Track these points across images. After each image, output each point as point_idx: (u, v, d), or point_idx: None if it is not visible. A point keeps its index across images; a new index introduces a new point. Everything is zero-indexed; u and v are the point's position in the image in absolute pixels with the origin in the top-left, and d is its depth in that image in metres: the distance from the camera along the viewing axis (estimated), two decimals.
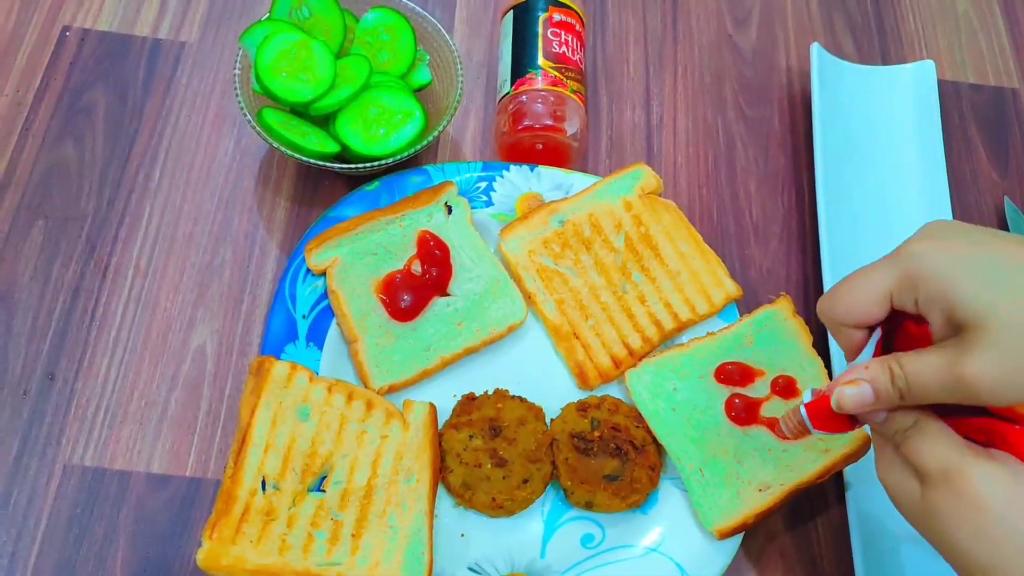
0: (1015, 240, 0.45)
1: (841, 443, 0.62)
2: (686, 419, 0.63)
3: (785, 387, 0.65)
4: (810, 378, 0.65)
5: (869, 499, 0.64)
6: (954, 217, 0.79)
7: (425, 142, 0.69)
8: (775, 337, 0.66)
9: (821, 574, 0.64)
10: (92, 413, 0.64)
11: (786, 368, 0.65)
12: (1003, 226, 0.80)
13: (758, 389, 0.65)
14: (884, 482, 0.48)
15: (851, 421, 0.49)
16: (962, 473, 0.43)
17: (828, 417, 0.49)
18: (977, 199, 0.82)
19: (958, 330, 0.43)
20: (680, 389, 0.64)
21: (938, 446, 0.44)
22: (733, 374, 0.65)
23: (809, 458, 0.62)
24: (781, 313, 0.67)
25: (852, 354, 0.49)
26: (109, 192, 0.72)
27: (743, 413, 0.63)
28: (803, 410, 0.50)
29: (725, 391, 0.64)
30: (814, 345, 0.67)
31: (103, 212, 0.72)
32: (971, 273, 0.43)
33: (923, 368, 0.44)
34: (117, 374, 0.66)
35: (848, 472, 0.64)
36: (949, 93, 0.87)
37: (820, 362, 0.66)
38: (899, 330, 0.48)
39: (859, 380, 0.46)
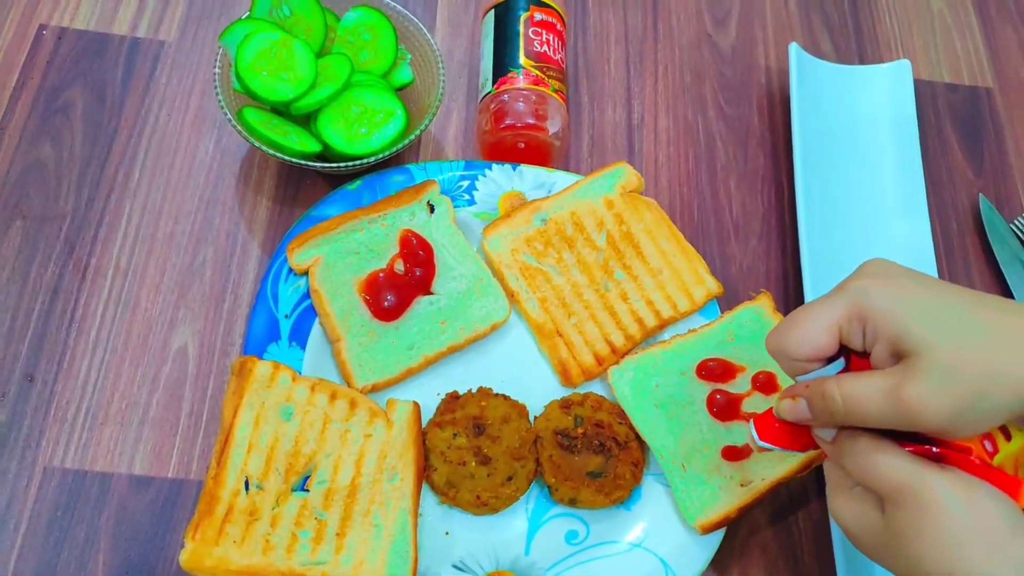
0: (954, 287, 0.47)
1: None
2: (668, 415, 0.64)
3: (766, 383, 0.65)
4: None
5: None
6: (931, 215, 0.80)
7: (407, 141, 0.69)
8: (756, 333, 0.67)
9: (802, 568, 0.65)
10: (72, 415, 0.64)
11: (767, 364, 0.66)
12: (978, 223, 0.82)
13: (739, 385, 0.65)
14: (841, 516, 0.48)
15: (801, 440, 0.50)
16: (926, 486, 0.43)
17: (776, 432, 0.51)
18: (953, 197, 0.83)
19: (900, 360, 0.44)
20: (662, 386, 0.65)
21: (897, 460, 0.44)
22: (715, 370, 0.66)
23: (789, 452, 0.62)
24: (762, 310, 0.68)
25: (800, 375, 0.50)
26: (88, 192, 0.72)
27: (724, 409, 0.64)
28: (751, 424, 0.51)
29: (707, 387, 0.65)
30: None
31: (82, 212, 0.71)
32: (917, 308, 0.45)
33: (863, 389, 0.45)
34: (97, 375, 0.65)
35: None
36: (925, 92, 0.88)
37: None
38: (842, 371, 0.49)
39: (797, 395, 0.48)
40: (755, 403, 0.64)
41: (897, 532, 0.44)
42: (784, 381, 0.65)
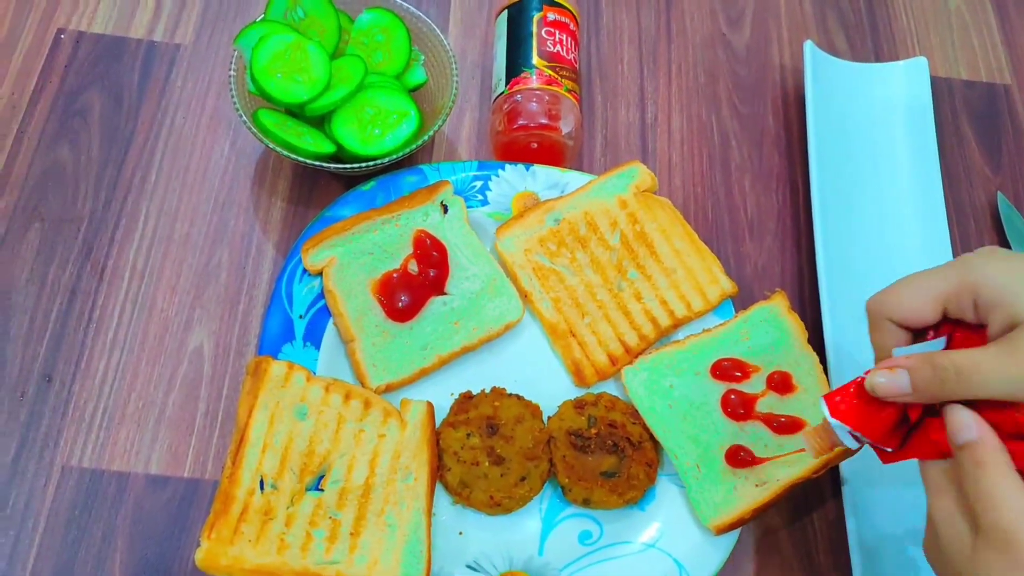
0: None
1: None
2: (683, 416, 0.64)
3: (781, 382, 0.65)
4: (805, 373, 0.65)
5: (865, 494, 0.64)
6: (948, 213, 0.79)
7: (420, 142, 0.69)
8: (770, 333, 0.67)
9: (817, 568, 0.65)
10: (90, 415, 0.64)
11: (781, 364, 0.65)
12: (996, 221, 0.81)
13: (754, 385, 0.65)
14: (939, 519, 0.46)
15: (874, 424, 0.47)
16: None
17: (852, 410, 0.48)
18: (970, 194, 0.82)
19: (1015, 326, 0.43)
20: (676, 386, 0.65)
21: (1011, 502, 0.42)
22: (729, 370, 0.65)
23: (806, 453, 0.62)
24: (776, 309, 0.68)
25: (882, 356, 0.49)
26: (105, 194, 0.73)
27: (739, 409, 0.64)
28: (822, 401, 0.49)
29: (721, 387, 0.65)
30: (809, 341, 0.67)
31: (99, 214, 0.72)
32: None
33: (980, 357, 0.44)
34: (114, 376, 0.66)
35: (844, 467, 0.65)
36: (942, 89, 0.87)
37: (815, 358, 0.66)
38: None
39: (896, 368, 0.46)
40: (769, 403, 0.64)
41: (981, 565, 0.43)
42: (800, 381, 0.65)
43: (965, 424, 0.44)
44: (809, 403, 0.64)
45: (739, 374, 0.65)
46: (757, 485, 0.61)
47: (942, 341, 0.47)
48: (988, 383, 0.43)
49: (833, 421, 0.48)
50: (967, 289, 0.45)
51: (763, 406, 0.64)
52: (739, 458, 0.62)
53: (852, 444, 0.50)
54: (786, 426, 0.63)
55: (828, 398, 0.49)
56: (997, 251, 0.48)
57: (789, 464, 0.62)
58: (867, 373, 0.48)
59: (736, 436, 0.63)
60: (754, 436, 0.63)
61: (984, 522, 0.43)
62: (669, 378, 0.65)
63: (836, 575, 0.64)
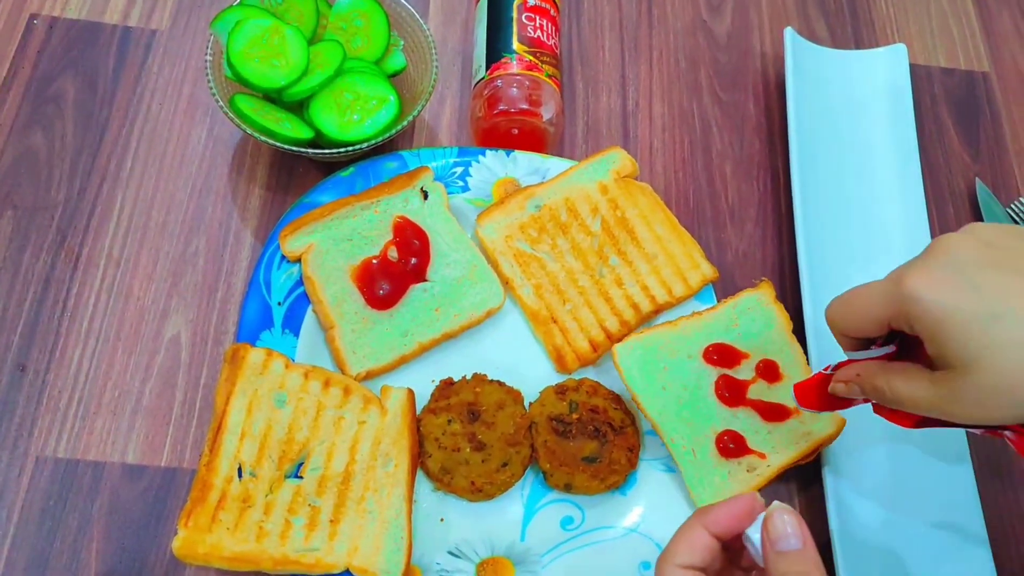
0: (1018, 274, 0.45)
1: (822, 425, 0.63)
2: (676, 398, 0.63)
3: (768, 370, 0.65)
4: (791, 363, 0.66)
5: (845, 476, 0.65)
6: (927, 199, 0.80)
7: (400, 127, 0.69)
8: (758, 321, 0.67)
9: None
10: (64, 404, 0.63)
11: (768, 352, 0.66)
12: (975, 207, 0.81)
13: (744, 371, 0.65)
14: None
15: (839, 404, 0.55)
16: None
17: (817, 400, 0.56)
18: (950, 180, 0.83)
19: (947, 366, 0.46)
20: (671, 368, 0.64)
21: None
22: (721, 355, 0.65)
23: (793, 439, 0.63)
24: (764, 298, 0.68)
25: (846, 351, 0.54)
26: (80, 181, 0.71)
27: (731, 394, 0.64)
28: (792, 390, 0.57)
29: (714, 372, 0.65)
30: (793, 331, 0.67)
31: (74, 201, 0.71)
32: (961, 325, 0.45)
33: (910, 391, 0.49)
34: (90, 365, 0.65)
35: (824, 452, 0.65)
36: (921, 77, 0.88)
37: (799, 348, 0.67)
38: (892, 353, 0.53)
39: (850, 382, 0.53)
40: (759, 390, 0.64)
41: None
42: (786, 370, 0.65)
43: (789, 533, 0.44)
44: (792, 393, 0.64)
45: (730, 360, 0.65)
46: (748, 471, 0.62)
47: (890, 348, 0.52)
48: (916, 410, 0.49)
49: (804, 409, 0.57)
50: (903, 316, 0.47)
51: (753, 392, 0.64)
52: (728, 448, 0.62)
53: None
54: (774, 413, 0.64)
55: (798, 389, 0.57)
56: (935, 262, 0.47)
57: (777, 450, 0.63)
58: (827, 369, 0.55)
59: (729, 421, 0.63)
60: (746, 422, 0.63)
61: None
62: (663, 359, 0.64)
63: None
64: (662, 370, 0.64)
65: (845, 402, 0.55)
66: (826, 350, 0.68)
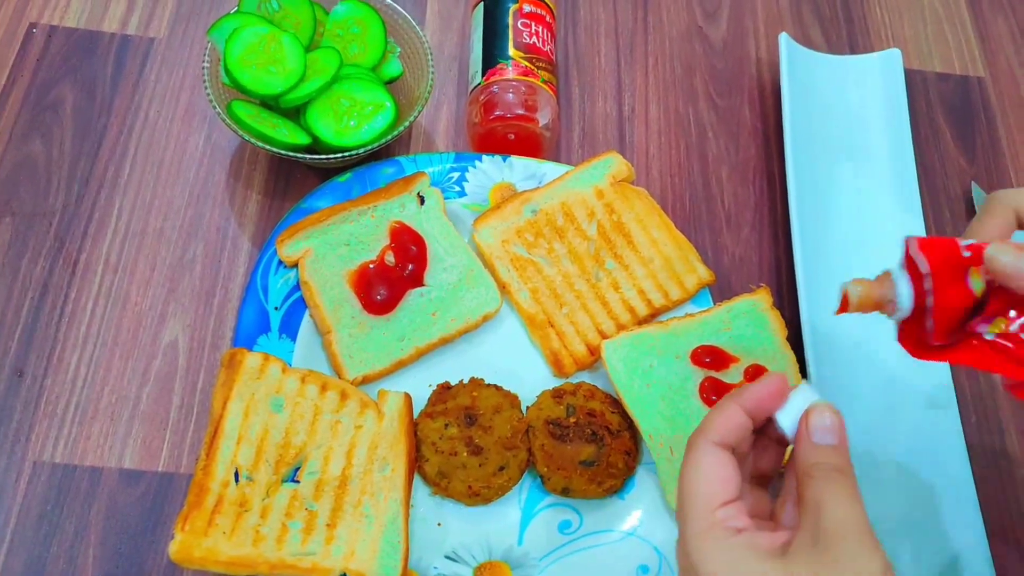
0: None
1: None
2: (660, 397, 0.64)
3: (756, 376, 0.65)
4: (781, 370, 0.65)
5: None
6: (923, 203, 0.80)
7: (396, 133, 0.69)
8: (752, 326, 0.67)
9: None
10: (62, 409, 0.63)
11: (759, 358, 0.66)
12: (971, 211, 0.81)
13: (732, 375, 0.65)
14: (708, 564, 0.43)
15: (958, 302, 0.44)
16: (854, 549, 0.41)
17: (941, 263, 0.44)
18: (945, 184, 0.83)
19: None
20: (656, 367, 0.64)
21: (844, 509, 0.43)
22: (710, 357, 0.65)
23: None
24: (760, 304, 0.68)
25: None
26: (78, 188, 0.72)
27: (716, 396, 0.64)
28: (911, 240, 0.45)
29: (700, 373, 0.65)
30: (788, 339, 0.67)
31: (72, 208, 0.71)
32: None
33: None
34: (87, 370, 0.65)
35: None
36: (916, 82, 0.88)
37: (792, 356, 0.66)
38: None
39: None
40: None
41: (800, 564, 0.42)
42: None
43: (828, 427, 0.45)
44: None
45: (719, 362, 0.65)
46: None
47: None
48: None
49: (918, 257, 0.44)
50: None
51: None
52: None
53: (902, 307, 0.46)
54: None
55: (916, 239, 0.45)
56: None
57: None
58: (962, 241, 0.44)
59: None
60: None
61: (821, 521, 0.42)
62: (650, 358, 0.65)
63: None
64: (648, 367, 0.64)
65: (965, 292, 0.43)
66: (824, 355, 0.69)
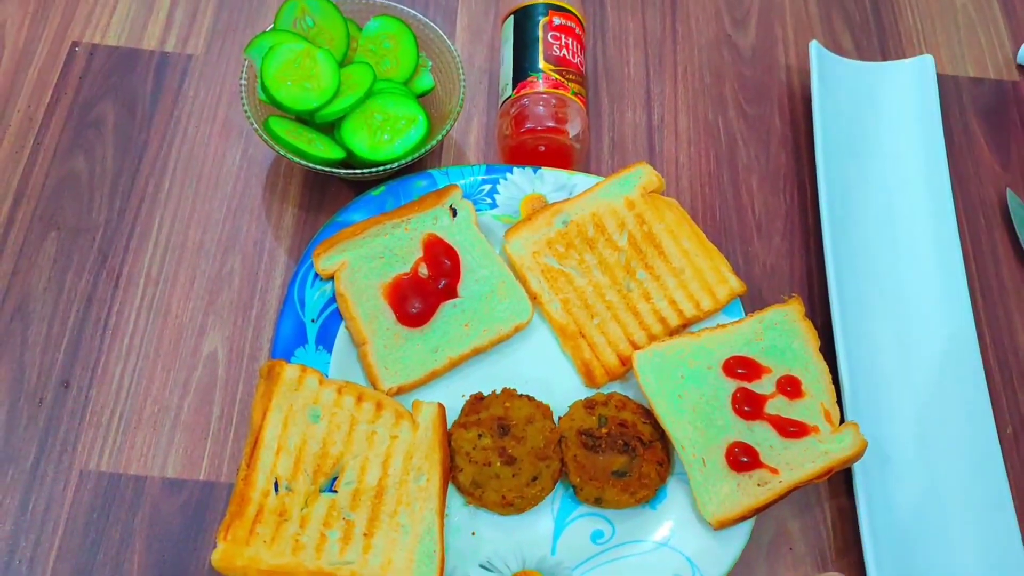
0: None
1: (842, 446, 0.62)
2: (692, 407, 0.64)
3: (790, 386, 0.65)
4: (814, 380, 0.65)
5: (878, 488, 0.64)
6: (957, 210, 0.79)
7: (429, 147, 0.70)
8: (784, 337, 0.67)
9: (830, 565, 0.65)
10: (107, 419, 0.65)
11: (792, 368, 0.66)
12: (1006, 217, 0.81)
13: (764, 386, 0.65)
14: None
15: None
16: None
17: None
18: (980, 191, 0.82)
19: None
20: (688, 377, 0.65)
21: None
22: (742, 368, 0.65)
23: (809, 457, 0.62)
24: (792, 314, 0.68)
25: None
26: (119, 203, 0.74)
27: (749, 407, 0.64)
28: None
29: (732, 384, 0.65)
30: (820, 350, 0.67)
31: (114, 222, 0.73)
32: None
33: None
34: (130, 381, 0.67)
35: (856, 464, 0.65)
36: (949, 87, 0.87)
37: (824, 366, 0.66)
38: None
39: None
40: (778, 405, 0.64)
41: None
42: (809, 388, 0.65)
43: None
44: (816, 410, 0.64)
45: (751, 373, 0.65)
46: (759, 484, 0.61)
47: None
48: None
49: None
50: None
51: (772, 408, 0.64)
52: (740, 462, 0.62)
53: None
54: (792, 429, 0.63)
55: None
56: None
57: (791, 467, 0.62)
58: None
59: (744, 434, 0.63)
60: (761, 436, 0.63)
61: None
62: (681, 368, 0.65)
63: (849, 572, 0.64)
64: (679, 378, 0.64)
65: None
66: (856, 365, 0.68)
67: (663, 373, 0.64)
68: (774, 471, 0.62)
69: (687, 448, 0.62)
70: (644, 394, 0.64)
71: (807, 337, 0.67)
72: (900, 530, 0.64)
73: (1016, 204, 0.80)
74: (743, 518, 0.61)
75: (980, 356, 0.72)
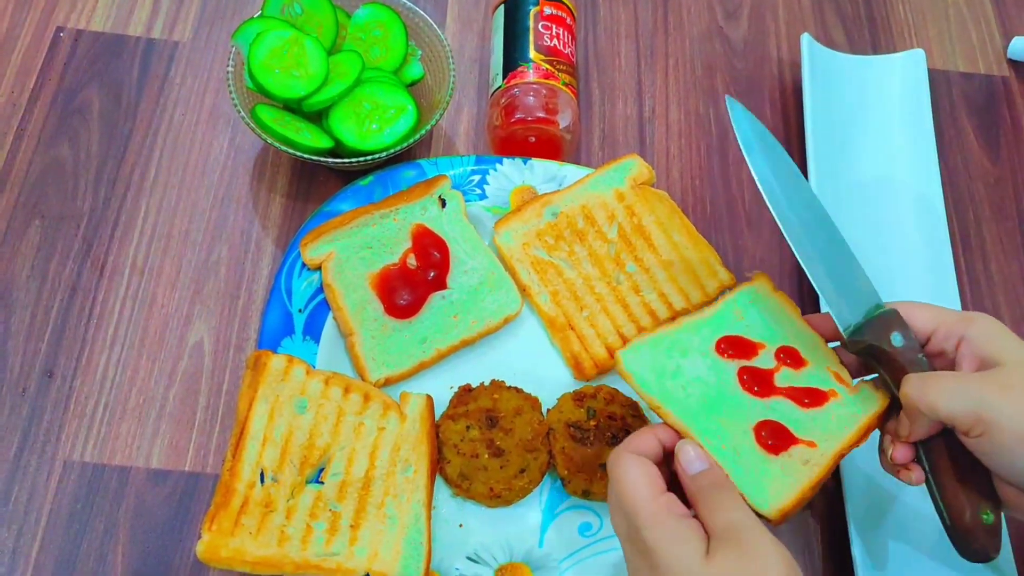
0: None
1: (866, 403, 0.59)
2: (701, 398, 0.58)
3: (790, 356, 0.61)
4: (809, 346, 0.61)
5: (864, 483, 0.64)
6: (946, 203, 0.79)
7: (418, 136, 0.70)
8: (763, 311, 0.63)
9: (817, 560, 0.65)
10: (91, 409, 0.65)
11: (784, 339, 0.61)
12: (996, 212, 0.81)
13: (764, 361, 0.60)
14: (659, 544, 0.48)
15: None
16: (753, 537, 0.48)
17: None
18: (969, 186, 0.82)
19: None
20: (684, 368, 0.59)
21: (740, 506, 0.50)
22: (735, 347, 0.61)
23: (839, 423, 0.58)
24: (764, 288, 0.64)
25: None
26: (105, 191, 0.73)
27: (758, 384, 0.59)
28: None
29: (732, 365, 0.60)
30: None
31: (99, 211, 0.72)
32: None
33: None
34: (115, 371, 0.66)
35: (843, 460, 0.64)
36: (939, 82, 0.88)
37: (814, 332, 0.62)
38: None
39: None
40: (786, 377, 0.59)
41: (717, 563, 0.47)
42: (808, 354, 0.60)
43: (694, 457, 0.53)
44: (826, 375, 0.60)
45: (746, 351, 0.61)
46: (803, 463, 0.56)
47: None
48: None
49: None
50: (978, 422, 0.51)
51: (781, 381, 0.59)
52: (770, 443, 0.57)
53: None
54: (809, 397, 0.59)
55: None
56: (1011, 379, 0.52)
57: (827, 436, 0.57)
58: None
59: (764, 413, 0.58)
60: (783, 412, 0.58)
61: (719, 525, 0.48)
62: (674, 359, 0.59)
63: (836, 565, 0.65)
64: (676, 371, 0.59)
65: None
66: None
67: (658, 368, 0.59)
68: (811, 444, 0.57)
69: (713, 443, 0.55)
70: (642, 395, 0.57)
71: (786, 308, 0.63)
72: (886, 520, 0.64)
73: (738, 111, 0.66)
74: (804, 501, 0.55)
75: None
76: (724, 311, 0.63)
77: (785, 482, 0.55)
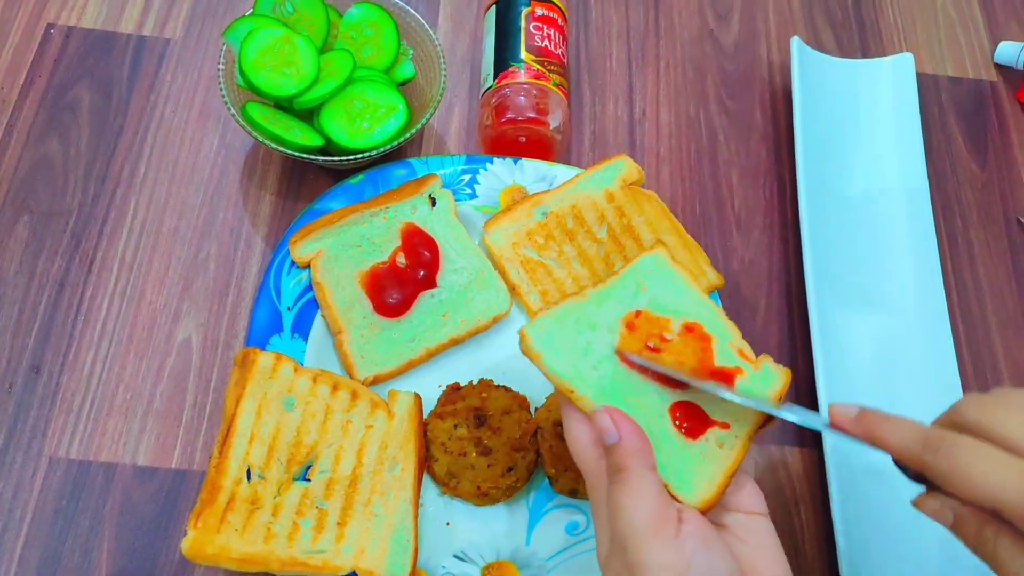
0: None
1: (766, 380, 0.54)
2: (614, 379, 0.53)
3: (695, 333, 0.55)
4: (711, 321, 0.56)
5: (851, 482, 0.65)
6: (934, 207, 0.80)
7: (408, 135, 0.70)
8: (665, 284, 0.57)
9: (804, 558, 0.65)
10: (78, 406, 0.64)
11: (688, 313, 0.56)
12: (983, 216, 0.81)
13: (671, 334, 0.55)
14: (595, 525, 0.49)
15: None
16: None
17: None
18: (957, 190, 0.83)
19: None
20: (594, 344, 0.54)
21: (632, 508, 0.46)
22: (643, 324, 0.55)
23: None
24: (662, 259, 0.58)
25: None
26: (94, 187, 0.73)
27: (690, 424, 0.54)
28: None
29: (641, 344, 0.54)
30: (795, 336, 0.66)
31: (88, 207, 0.72)
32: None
33: None
34: (103, 367, 0.66)
35: (829, 457, 0.65)
36: (928, 86, 0.88)
37: (714, 305, 0.57)
38: None
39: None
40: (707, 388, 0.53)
41: (609, 570, 0.47)
42: (712, 330, 0.55)
43: (608, 428, 0.49)
44: (729, 352, 0.55)
45: (653, 327, 0.55)
46: (720, 446, 0.52)
47: None
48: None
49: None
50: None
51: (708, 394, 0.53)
52: (685, 426, 0.53)
53: None
54: (717, 376, 0.54)
55: None
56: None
57: (738, 417, 0.53)
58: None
59: (678, 395, 0.53)
60: (694, 392, 0.54)
61: (613, 528, 0.46)
62: (585, 335, 0.53)
63: (822, 564, 0.65)
64: (586, 347, 0.53)
65: None
66: (832, 359, 0.69)
67: (566, 346, 0.53)
68: (724, 426, 0.53)
69: None
70: (550, 376, 0.52)
71: (685, 279, 0.58)
72: (872, 519, 0.64)
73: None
74: (725, 490, 0.51)
75: (955, 353, 0.73)
76: (626, 280, 0.57)
77: (708, 469, 0.52)
